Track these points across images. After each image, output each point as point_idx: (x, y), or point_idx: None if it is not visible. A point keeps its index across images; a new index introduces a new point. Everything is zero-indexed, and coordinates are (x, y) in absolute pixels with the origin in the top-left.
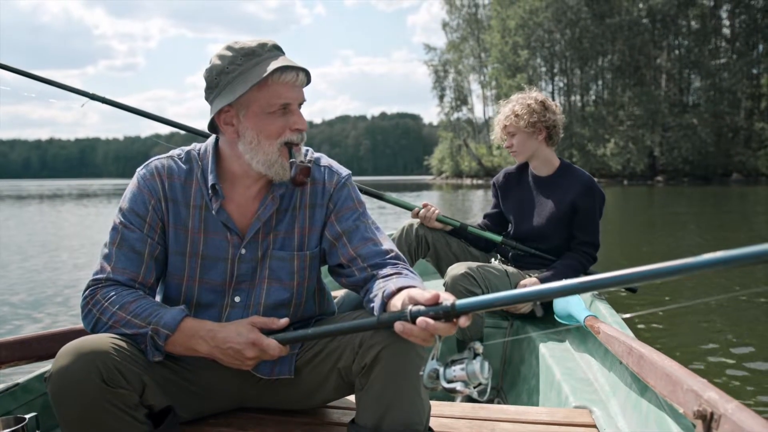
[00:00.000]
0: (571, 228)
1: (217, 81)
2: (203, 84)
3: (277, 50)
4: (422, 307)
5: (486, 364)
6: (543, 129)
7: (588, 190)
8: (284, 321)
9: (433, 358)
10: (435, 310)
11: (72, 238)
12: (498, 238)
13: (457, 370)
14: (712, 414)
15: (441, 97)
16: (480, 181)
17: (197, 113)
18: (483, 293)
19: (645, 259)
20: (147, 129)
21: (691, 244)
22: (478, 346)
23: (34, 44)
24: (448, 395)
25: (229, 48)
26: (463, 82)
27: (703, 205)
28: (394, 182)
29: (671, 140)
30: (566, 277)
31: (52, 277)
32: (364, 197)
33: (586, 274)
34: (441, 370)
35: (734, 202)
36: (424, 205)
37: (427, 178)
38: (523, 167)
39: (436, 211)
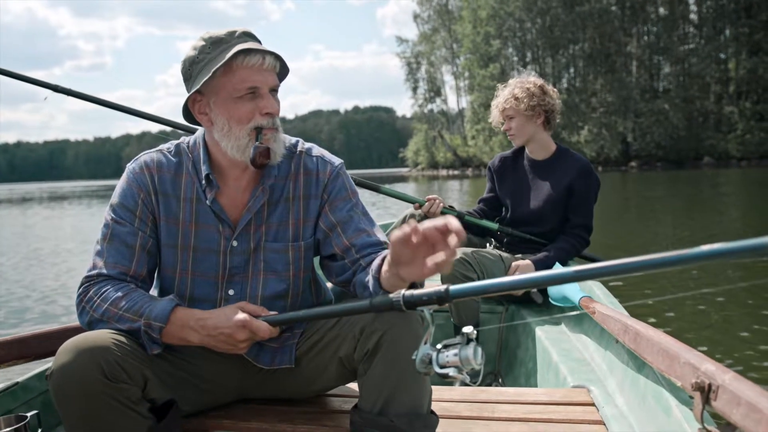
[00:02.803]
0: (566, 211)
1: (190, 72)
2: (173, 82)
3: (246, 36)
4: (415, 292)
5: (479, 350)
6: (542, 113)
7: (584, 173)
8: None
9: (425, 343)
10: (429, 294)
11: (44, 241)
12: (494, 226)
13: (450, 356)
14: (710, 385)
15: (414, 89)
16: (455, 172)
17: (168, 112)
18: (478, 278)
19: (622, 243)
20: (117, 129)
21: (665, 231)
22: (471, 331)
23: None
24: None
25: (201, 38)
26: (435, 74)
27: (674, 188)
28: (370, 175)
29: (644, 126)
30: (559, 260)
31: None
32: (357, 188)
33: (579, 257)
34: (434, 355)
35: (705, 186)
36: (429, 200)
37: (402, 171)
38: (519, 151)
39: (441, 205)
